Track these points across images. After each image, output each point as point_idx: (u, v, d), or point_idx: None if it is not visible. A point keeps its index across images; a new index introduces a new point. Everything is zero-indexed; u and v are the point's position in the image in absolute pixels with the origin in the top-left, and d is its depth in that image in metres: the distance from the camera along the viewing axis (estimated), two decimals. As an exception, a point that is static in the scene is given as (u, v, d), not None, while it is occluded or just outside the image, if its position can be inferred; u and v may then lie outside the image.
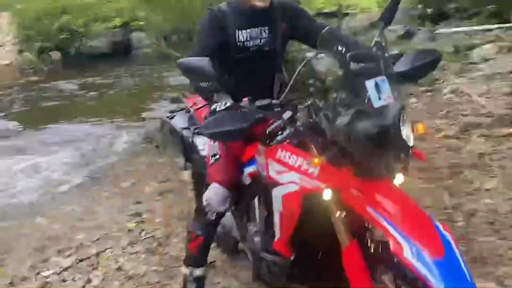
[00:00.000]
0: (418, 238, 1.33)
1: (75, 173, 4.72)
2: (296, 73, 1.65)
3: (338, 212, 1.55)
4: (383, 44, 1.57)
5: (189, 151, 2.67)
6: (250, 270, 2.23)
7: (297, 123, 1.61)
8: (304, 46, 3.10)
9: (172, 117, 2.90)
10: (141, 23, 7.53)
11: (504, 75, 5.28)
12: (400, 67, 1.64)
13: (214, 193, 2.14)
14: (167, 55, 7.63)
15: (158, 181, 4.22)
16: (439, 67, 3.00)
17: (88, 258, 3.01)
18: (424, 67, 1.71)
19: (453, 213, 2.89)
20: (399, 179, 1.52)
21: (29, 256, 3.13)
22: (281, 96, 1.71)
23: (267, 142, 1.71)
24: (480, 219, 2.82)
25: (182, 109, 2.92)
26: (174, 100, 7.68)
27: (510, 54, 6.51)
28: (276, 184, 1.77)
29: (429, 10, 12.15)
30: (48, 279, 2.84)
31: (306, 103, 1.64)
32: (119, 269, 2.84)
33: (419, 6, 12.30)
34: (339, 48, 1.51)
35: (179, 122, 2.79)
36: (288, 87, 1.68)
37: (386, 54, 1.55)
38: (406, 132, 1.39)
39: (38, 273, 2.92)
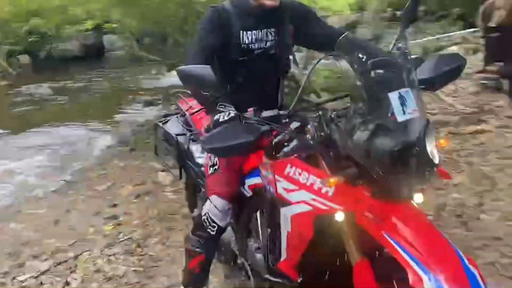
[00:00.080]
0: (440, 272, 1.20)
1: (50, 178, 4.66)
2: (305, 80, 1.55)
3: (351, 233, 1.45)
4: (407, 50, 1.41)
5: (184, 158, 2.52)
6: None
7: (307, 136, 1.50)
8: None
9: (166, 122, 2.76)
10: (114, 25, 7.44)
11: (470, 76, 5.47)
12: (421, 74, 1.47)
13: (214, 207, 1.99)
14: (139, 57, 7.59)
15: (134, 184, 4.21)
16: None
17: (66, 261, 3.00)
18: (448, 74, 1.56)
19: (423, 207, 3.01)
20: (418, 198, 1.38)
21: (4, 261, 3.09)
22: (287, 104, 1.63)
23: (273, 154, 1.61)
24: (448, 212, 2.94)
25: (176, 113, 2.78)
26: (147, 103, 7.68)
27: (476, 56, 6.73)
28: (285, 202, 1.61)
29: (398, 13, 12.43)
30: (24, 283, 2.82)
31: (317, 114, 1.51)
32: (97, 271, 2.84)
33: (388, 9, 12.57)
34: (360, 56, 1.34)
35: (173, 127, 2.65)
36: (297, 97, 1.55)
37: (410, 62, 1.38)
38: (432, 148, 1.26)
39: (14, 278, 2.88)
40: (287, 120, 1.55)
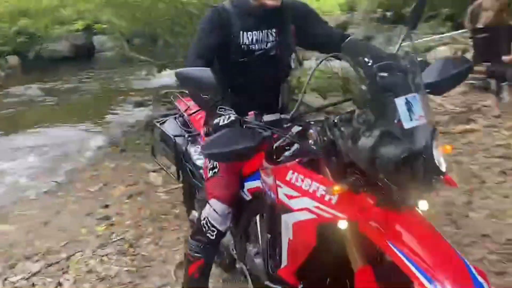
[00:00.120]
0: (446, 283, 1.16)
1: (42, 179, 4.63)
2: (307, 82, 1.50)
3: (354, 240, 1.42)
4: (414, 54, 1.36)
5: (182, 160, 2.47)
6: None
7: (309, 141, 1.46)
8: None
9: (163, 122, 2.72)
10: (104, 26, 7.41)
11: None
12: (426, 78, 1.43)
13: (213, 211, 1.96)
14: (130, 58, 7.56)
15: (126, 185, 4.20)
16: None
17: (58, 262, 2.99)
18: (455, 78, 1.52)
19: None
20: (422, 206, 1.33)
21: (-5, 263, 3.08)
22: (287, 106, 1.60)
23: (274, 158, 1.58)
24: (438, 210, 2.98)
25: (174, 114, 2.74)
26: (138, 104, 7.67)
27: (465, 56, 6.81)
28: (286, 209, 1.57)
29: (388, 14, 12.54)
30: (16, 285, 2.81)
31: (320, 119, 1.48)
32: (90, 271, 2.84)
33: (379, 10, 12.67)
34: (366, 60, 1.29)
35: (171, 128, 2.60)
36: (299, 100, 1.50)
37: (417, 66, 1.33)
38: (438, 156, 1.23)
39: (5, 279, 2.87)
40: (289, 124, 1.52)
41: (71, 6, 7.14)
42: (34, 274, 2.88)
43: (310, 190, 1.46)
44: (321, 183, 1.44)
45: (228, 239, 2.20)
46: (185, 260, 2.15)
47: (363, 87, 1.29)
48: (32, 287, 2.78)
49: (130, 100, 7.87)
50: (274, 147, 1.56)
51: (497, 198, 3.24)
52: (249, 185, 1.91)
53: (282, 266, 1.69)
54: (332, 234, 1.42)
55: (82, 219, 3.59)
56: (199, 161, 2.26)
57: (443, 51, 7.13)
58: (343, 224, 1.36)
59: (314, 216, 1.45)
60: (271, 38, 1.89)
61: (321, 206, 1.42)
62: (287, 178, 1.55)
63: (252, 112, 1.55)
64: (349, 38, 1.85)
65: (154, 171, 4.36)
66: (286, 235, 1.60)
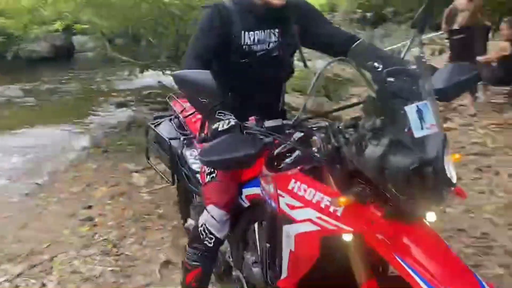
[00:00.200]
0: None
1: (23, 180, 4.59)
2: (311, 88, 1.43)
3: (359, 253, 1.36)
4: (424, 59, 1.30)
5: (177, 163, 2.39)
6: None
7: (313, 148, 1.41)
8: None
9: (158, 124, 2.65)
10: (85, 26, 7.35)
11: (437, 75, 5.67)
12: (435, 84, 1.37)
13: (211, 217, 1.88)
14: (111, 58, 7.52)
15: (108, 186, 4.20)
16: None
17: (41, 263, 2.97)
18: (463, 84, 1.49)
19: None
20: (430, 217, 1.27)
21: (-23, 265, 3.05)
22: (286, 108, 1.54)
23: (275, 165, 1.53)
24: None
25: (170, 115, 2.68)
26: (120, 105, 7.63)
27: (441, 56, 6.98)
28: (288, 219, 1.49)
29: (368, 14, 12.71)
30: (-1, 287, 2.80)
31: (324, 125, 1.43)
32: (74, 272, 2.84)
33: (359, 11, 12.84)
34: (376, 65, 1.24)
35: (166, 130, 2.53)
36: (303, 105, 1.43)
37: (428, 71, 1.28)
38: (450, 167, 1.18)
39: (-13, 282, 2.86)
40: (291, 130, 1.47)
41: (50, 6, 7.04)
42: (18, 276, 2.86)
43: (314, 201, 1.40)
44: (325, 193, 1.37)
45: (224, 246, 2.12)
46: (183, 269, 2.08)
47: (372, 93, 1.26)
48: (16, 289, 2.78)
49: (112, 101, 7.85)
50: (274, 154, 1.51)
51: (473, 194, 3.35)
52: (248, 191, 1.85)
53: (282, 277, 1.62)
54: (336, 245, 1.36)
55: (64, 220, 3.58)
56: (195, 165, 2.20)
57: (417, 52, 7.25)
58: (348, 237, 1.31)
59: (317, 228, 1.38)
60: (273, 38, 1.82)
61: (325, 218, 1.36)
62: (289, 187, 1.48)
63: (252, 118, 1.50)
64: (358, 42, 1.76)
65: (136, 172, 4.38)
66: (288, 246, 1.53)
